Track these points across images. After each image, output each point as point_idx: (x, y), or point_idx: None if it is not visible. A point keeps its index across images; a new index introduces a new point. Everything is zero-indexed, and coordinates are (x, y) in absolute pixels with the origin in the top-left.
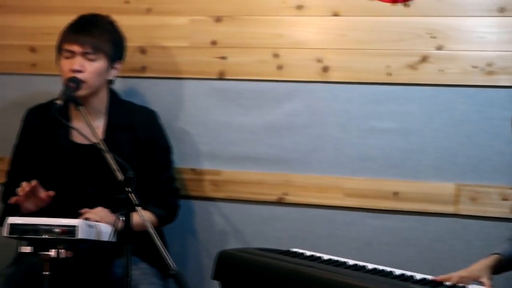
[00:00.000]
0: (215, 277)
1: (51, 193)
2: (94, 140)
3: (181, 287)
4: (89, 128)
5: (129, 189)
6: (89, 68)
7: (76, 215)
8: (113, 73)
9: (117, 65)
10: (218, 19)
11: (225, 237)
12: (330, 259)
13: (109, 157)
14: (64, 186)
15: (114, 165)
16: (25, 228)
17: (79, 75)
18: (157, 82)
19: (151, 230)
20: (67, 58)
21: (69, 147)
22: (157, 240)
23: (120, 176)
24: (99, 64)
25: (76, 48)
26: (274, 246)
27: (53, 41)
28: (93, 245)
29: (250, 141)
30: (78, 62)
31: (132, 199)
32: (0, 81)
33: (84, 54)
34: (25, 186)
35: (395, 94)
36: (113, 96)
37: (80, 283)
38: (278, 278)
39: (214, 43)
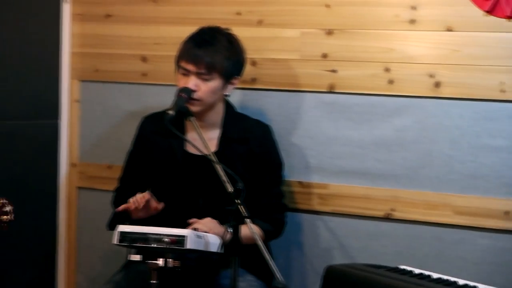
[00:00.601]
0: None
1: (162, 205)
2: (205, 151)
3: None
4: (201, 139)
5: (239, 201)
6: (203, 87)
7: (184, 225)
8: (229, 89)
9: (234, 81)
10: (329, 32)
11: (330, 251)
12: (439, 278)
13: (219, 168)
14: (175, 196)
15: (224, 177)
16: (134, 236)
17: (194, 94)
18: (267, 94)
19: (260, 243)
20: (183, 74)
21: (183, 157)
22: (265, 252)
23: (230, 187)
24: (213, 83)
25: (190, 67)
26: (380, 262)
27: (164, 51)
28: (200, 256)
29: (359, 155)
30: (192, 82)
31: (241, 211)
32: (111, 90)
33: (199, 74)
34: (139, 200)
35: (508, 111)
36: (229, 108)
37: None
38: None
39: (324, 56)
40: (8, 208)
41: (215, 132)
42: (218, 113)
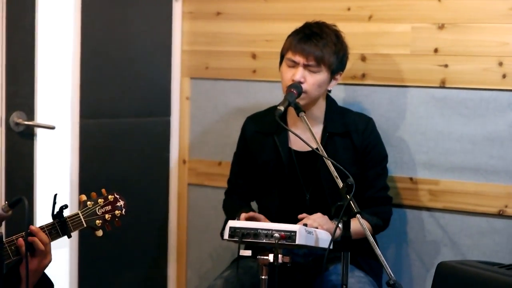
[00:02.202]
0: None
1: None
2: (314, 146)
3: None
4: (310, 134)
5: (350, 197)
6: (310, 80)
7: (292, 222)
8: (332, 84)
9: (338, 76)
10: (440, 27)
11: (440, 248)
12: None
13: (329, 163)
14: (282, 193)
15: (334, 172)
16: (245, 231)
17: (301, 85)
18: (377, 90)
19: (371, 239)
20: (290, 67)
21: (288, 154)
22: (377, 248)
23: (340, 183)
24: (321, 76)
25: (299, 59)
26: (492, 260)
27: (274, 48)
28: (309, 251)
29: (470, 151)
30: (300, 73)
31: (352, 206)
32: (221, 87)
33: (306, 66)
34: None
35: None
36: (331, 103)
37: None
38: None
39: (436, 50)
40: (120, 203)
41: (318, 128)
42: (320, 108)
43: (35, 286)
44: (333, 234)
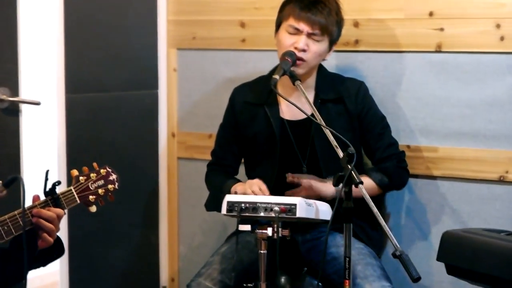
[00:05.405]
0: (439, 258)
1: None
2: (309, 113)
3: (408, 268)
4: (305, 102)
5: (351, 166)
6: (312, 48)
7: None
8: (329, 54)
9: (334, 46)
10: None
11: (441, 216)
12: None
13: (328, 132)
14: (276, 165)
15: (334, 142)
16: (243, 206)
17: (302, 54)
18: (371, 56)
19: (375, 209)
20: (291, 34)
21: (280, 124)
22: (381, 219)
23: (340, 153)
24: (322, 45)
25: (304, 27)
26: (493, 227)
27: (263, 16)
28: (307, 223)
29: (469, 116)
30: (303, 41)
31: (354, 176)
32: (209, 57)
33: (311, 35)
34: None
35: None
36: (321, 70)
37: (295, 261)
38: (508, 260)
39: (431, 14)
40: (113, 177)
41: (310, 95)
42: (312, 76)
43: (47, 249)
44: (334, 208)
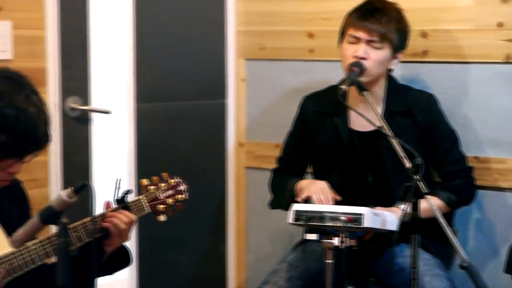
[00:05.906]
0: (508, 270)
1: (339, 198)
2: (378, 124)
3: (475, 280)
4: (373, 113)
5: (418, 177)
6: (373, 56)
7: (354, 204)
8: (394, 62)
9: (399, 55)
10: (505, 0)
11: (509, 228)
12: None
13: (395, 143)
14: (342, 175)
15: (400, 152)
16: (310, 215)
17: (363, 62)
18: (439, 67)
19: (441, 220)
20: (351, 43)
21: (348, 134)
22: (448, 230)
23: (407, 163)
24: (383, 53)
25: (362, 34)
26: None
27: (331, 26)
28: (375, 234)
29: None
30: (362, 49)
31: (421, 187)
32: (277, 67)
33: (369, 42)
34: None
35: None
36: (391, 82)
37: (363, 272)
38: None
39: (500, 25)
40: (182, 187)
41: (379, 107)
42: (381, 88)
43: (114, 257)
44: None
